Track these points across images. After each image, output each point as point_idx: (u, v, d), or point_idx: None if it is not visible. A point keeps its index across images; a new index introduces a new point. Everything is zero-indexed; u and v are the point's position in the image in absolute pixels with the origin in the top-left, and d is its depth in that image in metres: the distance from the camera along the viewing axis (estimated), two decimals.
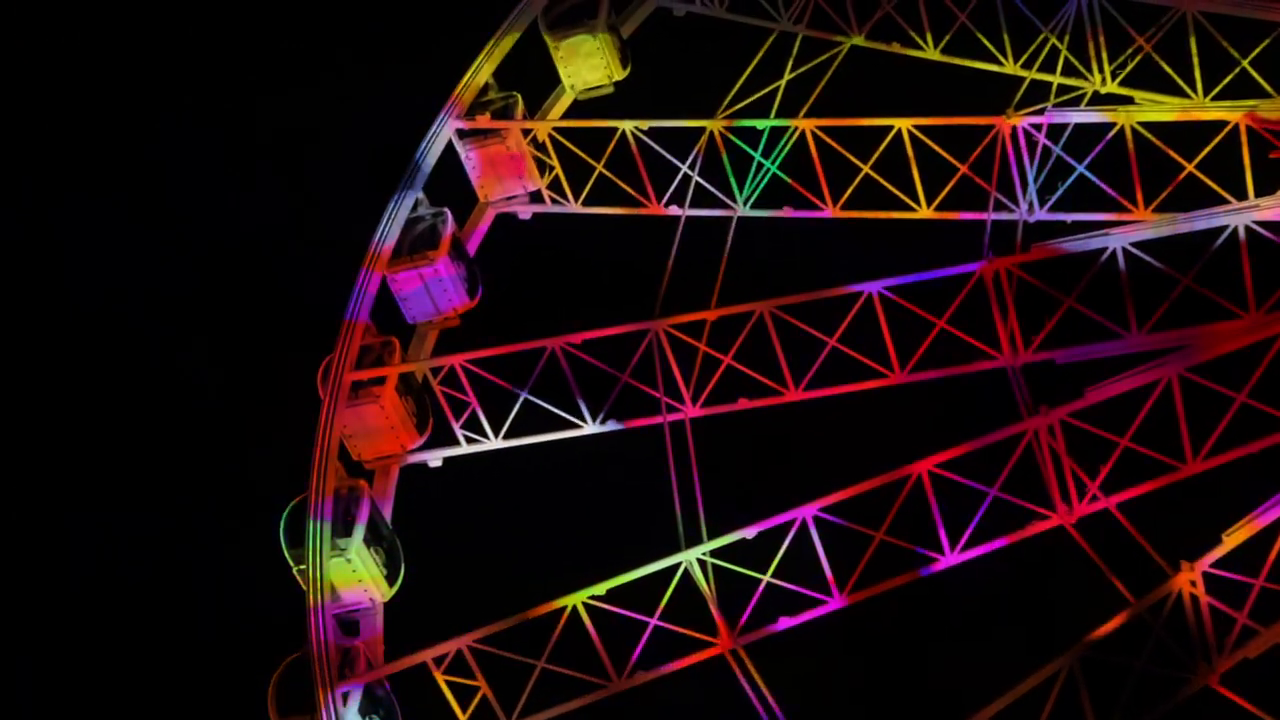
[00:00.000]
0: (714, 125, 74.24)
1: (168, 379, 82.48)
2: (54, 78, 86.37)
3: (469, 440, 72.18)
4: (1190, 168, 67.76)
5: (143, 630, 79.56)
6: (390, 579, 69.17)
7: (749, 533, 65.74)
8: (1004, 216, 70.17)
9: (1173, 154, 68.17)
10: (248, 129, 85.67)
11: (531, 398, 70.73)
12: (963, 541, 65.95)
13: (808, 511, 65.45)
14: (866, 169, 71.86)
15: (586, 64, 79.04)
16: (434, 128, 76.42)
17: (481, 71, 77.04)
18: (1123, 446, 64.95)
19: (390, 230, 74.02)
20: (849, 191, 72.72)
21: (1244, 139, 66.93)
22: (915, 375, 68.65)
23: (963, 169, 70.97)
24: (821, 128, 72.08)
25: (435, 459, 72.76)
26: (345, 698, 66.35)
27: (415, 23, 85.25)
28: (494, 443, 71.97)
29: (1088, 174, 69.48)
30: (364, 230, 73.20)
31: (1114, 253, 65.49)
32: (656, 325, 70.33)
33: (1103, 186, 69.58)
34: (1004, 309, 67.70)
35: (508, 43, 77.60)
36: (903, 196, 71.88)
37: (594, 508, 75.53)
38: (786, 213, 74.54)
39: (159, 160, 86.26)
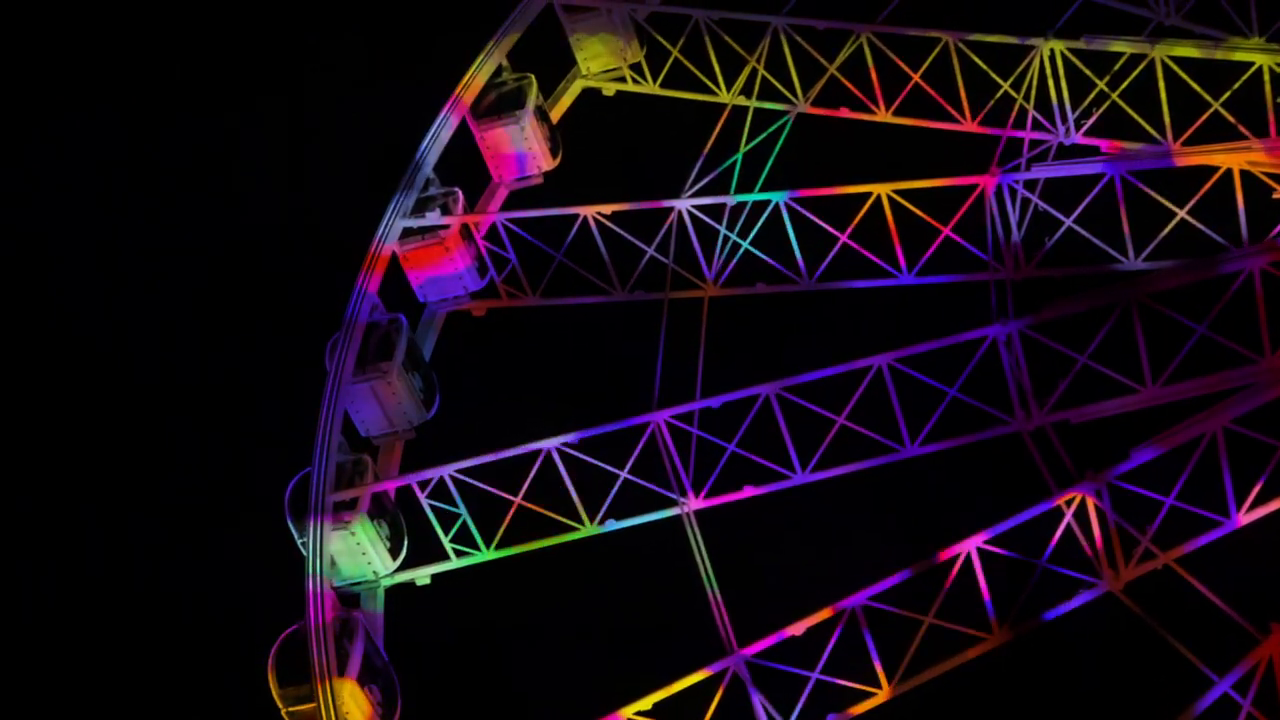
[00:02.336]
0: (681, 204, 59.58)
1: (166, 379, 68.89)
2: (54, 77, 72.78)
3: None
4: (1182, 214, 56.43)
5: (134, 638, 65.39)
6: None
7: (797, 630, 53.23)
8: (991, 276, 58.16)
9: (1163, 200, 56.37)
10: (247, 128, 71.71)
11: (525, 503, 56.49)
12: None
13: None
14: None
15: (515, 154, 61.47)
16: (434, 128, 62.62)
17: (482, 71, 63.34)
18: (1169, 503, 52.46)
19: (390, 231, 61.03)
20: (826, 261, 59.62)
21: (1237, 182, 55.60)
22: (927, 447, 55.74)
23: (945, 230, 58.59)
24: (796, 199, 58.18)
25: (423, 576, 57.11)
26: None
27: (416, 22, 71.08)
28: (486, 554, 56.86)
29: (1076, 227, 57.65)
30: (364, 230, 60.23)
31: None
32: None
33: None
34: (1016, 371, 54.84)
35: (508, 43, 63.81)
36: (883, 264, 59.13)
37: (603, 613, 61.86)
38: (760, 289, 60.42)
39: (158, 159, 72.16)
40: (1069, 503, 53.09)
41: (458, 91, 62.28)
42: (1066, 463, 54.55)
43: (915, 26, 61.06)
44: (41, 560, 66.15)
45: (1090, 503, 53.40)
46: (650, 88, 65.55)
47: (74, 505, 66.38)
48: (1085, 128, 60.43)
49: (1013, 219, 57.93)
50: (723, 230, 60.70)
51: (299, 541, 55.02)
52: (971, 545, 51.89)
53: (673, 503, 55.48)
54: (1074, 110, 60.00)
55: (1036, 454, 55.50)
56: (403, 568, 56.33)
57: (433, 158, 61.02)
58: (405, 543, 56.67)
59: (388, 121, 66.50)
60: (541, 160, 64.04)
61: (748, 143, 62.35)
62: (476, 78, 62.41)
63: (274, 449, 59.16)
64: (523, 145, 63.34)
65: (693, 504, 55.22)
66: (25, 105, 70.55)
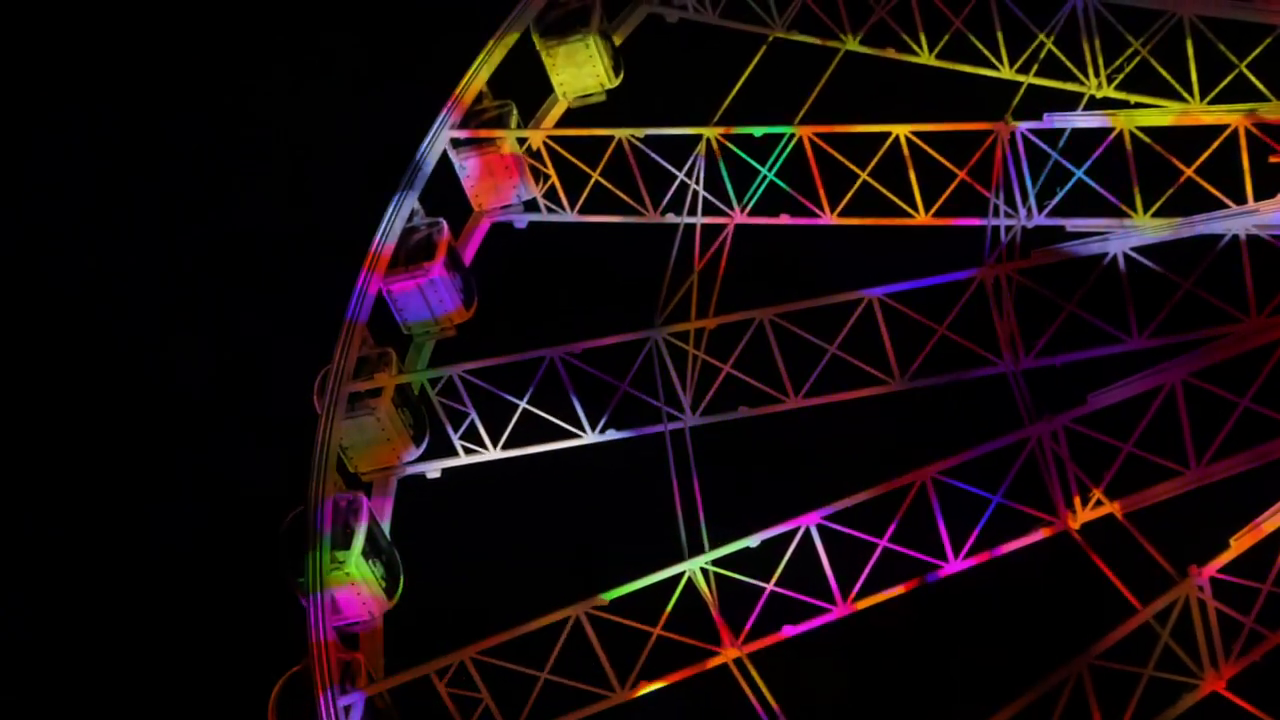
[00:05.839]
0: (710, 133, 44.33)
1: (166, 380, 52.93)
2: (54, 77, 55.92)
3: (468, 451, 43.43)
4: (1189, 172, 40.86)
5: (136, 639, 50.15)
6: (389, 591, 41.60)
7: (752, 541, 39.53)
8: (1003, 222, 41.76)
9: (1172, 159, 40.85)
10: (248, 129, 55.04)
11: (530, 408, 42.34)
12: (966, 549, 39.35)
13: (811, 520, 39.03)
14: (865, 175, 43.29)
15: (580, 71, 47.21)
16: (434, 128, 46.34)
17: (481, 72, 46.87)
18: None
19: (390, 231, 45.29)
20: (847, 198, 43.76)
21: (1243, 143, 40.15)
22: (916, 383, 41.39)
23: (961, 174, 42.56)
24: (819, 134, 43.25)
25: (434, 470, 43.52)
26: (347, 711, 40.28)
27: (415, 23, 54.12)
28: (492, 453, 43.11)
29: (1086, 179, 41.61)
30: (364, 230, 45.27)
31: (1115, 257, 39.82)
32: (657, 334, 41.75)
33: (1102, 192, 41.75)
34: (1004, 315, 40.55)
35: (507, 43, 46.99)
36: (901, 203, 43.47)
37: (594, 518, 46.40)
38: (784, 220, 44.59)
39: (159, 160, 55.29)
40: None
41: (457, 92, 46.76)
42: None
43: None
44: (42, 559, 51.53)
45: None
46: (709, 17, 48.04)
47: (70, 505, 51.99)
48: (1116, 82, 44.59)
49: (1025, 167, 42.61)
50: (758, 166, 44.59)
51: None
52: (927, 475, 38.84)
53: (671, 420, 41.68)
54: (1107, 64, 44.53)
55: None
56: None
57: (432, 159, 46.02)
58: (428, 433, 43.43)
59: (388, 121, 51.44)
60: (604, 78, 47.37)
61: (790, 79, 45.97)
62: (475, 78, 46.91)
63: (273, 449, 46.27)
64: (587, 63, 47.19)
65: (689, 420, 41.88)
66: (26, 105, 55.81)
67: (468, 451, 44.93)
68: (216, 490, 50.74)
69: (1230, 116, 42.46)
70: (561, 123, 48.87)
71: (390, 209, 45.67)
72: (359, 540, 42.56)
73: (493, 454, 44.29)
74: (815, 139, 45.18)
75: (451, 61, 47.51)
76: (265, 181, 54.17)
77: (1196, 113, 43.17)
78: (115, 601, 50.52)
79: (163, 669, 49.12)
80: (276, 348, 51.20)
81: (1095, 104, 45.47)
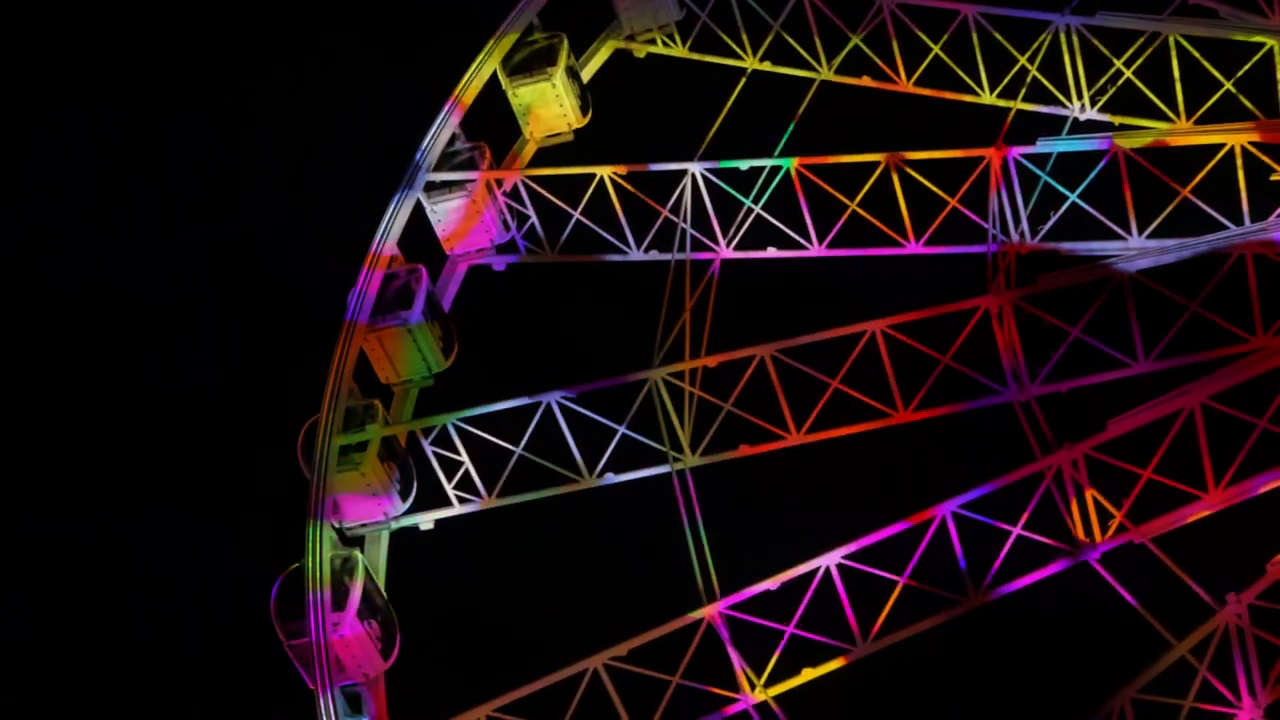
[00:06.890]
0: (695, 168, 39.59)
1: (166, 380, 48.77)
2: (54, 76, 51.49)
3: (461, 500, 38.69)
4: (1185, 192, 37.42)
5: (134, 644, 46.20)
6: (385, 651, 36.95)
7: (773, 584, 35.72)
8: (998, 248, 37.90)
9: (1166, 179, 37.31)
10: (248, 128, 50.61)
11: (526, 454, 37.91)
12: (987, 582, 35.41)
13: (831, 559, 34.68)
14: (854, 205, 39.47)
15: (547, 111, 42.48)
16: (434, 128, 42.20)
17: (481, 72, 42.54)
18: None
19: (390, 231, 41.35)
20: (836, 228, 39.64)
21: (1239, 161, 36.86)
22: (921, 414, 37.12)
23: (953, 202, 38.74)
24: (807, 165, 39.33)
25: (426, 521, 38.78)
26: None
27: (416, 22, 49.79)
28: (486, 502, 38.42)
29: (1080, 202, 38.02)
30: (364, 230, 41.18)
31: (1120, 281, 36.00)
32: (656, 375, 37.11)
33: (1097, 215, 38.09)
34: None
35: (508, 42, 42.68)
36: (891, 233, 39.33)
37: (597, 564, 42.27)
38: (771, 253, 40.41)
39: (159, 159, 51.00)
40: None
41: (457, 91, 42.58)
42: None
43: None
44: (41, 560, 47.41)
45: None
46: (680, 51, 44.23)
47: (69, 506, 47.80)
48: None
49: (1019, 192, 38.63)
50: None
51: None
52: (946, 509, 35.50)
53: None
54: (1090, 86, 41.07)
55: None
56: None
57: (432, 159, 41.94)
58: (414, 486, 39.47)
59: (388, 121, 47.45)
60: (571, 118, 43.30)
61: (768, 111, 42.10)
62: (476, 77, 42.64)
63: (272, 450, 41.34)
64: (553, 102, 42.98)
65: (689, 461, 37.66)
66: (26, 105, 51.56)
67: (461, 501, 40.73)
68: (216, 492, 46.75)
69: (1229, 135, 39.26)
70: (540, 161, 45.67)
71: (390, 209, 41.98)
72: (354, 600, 38.22)
73: (486, 503, 40.61)
74: (803, 170, 41.37)
75: (451, 61, 43.82)
76: (265, 181, 50.25)
77: (1194, 132, 40.25)
78: (110, 603, 46.95)
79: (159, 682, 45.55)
80: (276, 348, 47.27)
81: (1079, 126, 42.79)
